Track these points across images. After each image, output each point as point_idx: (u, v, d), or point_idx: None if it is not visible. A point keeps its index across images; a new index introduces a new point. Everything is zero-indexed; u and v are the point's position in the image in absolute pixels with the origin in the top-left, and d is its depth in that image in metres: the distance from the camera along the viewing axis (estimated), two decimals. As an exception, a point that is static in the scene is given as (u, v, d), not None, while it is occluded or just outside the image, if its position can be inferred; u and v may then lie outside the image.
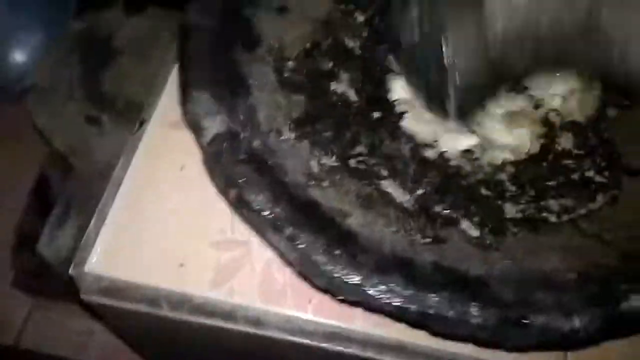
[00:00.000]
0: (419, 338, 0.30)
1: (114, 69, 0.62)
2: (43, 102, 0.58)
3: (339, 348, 0.31)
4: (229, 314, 0.32)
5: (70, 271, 0.32)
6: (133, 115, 0.58)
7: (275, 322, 0.32)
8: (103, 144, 0.57)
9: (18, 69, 0.77)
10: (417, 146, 0.34)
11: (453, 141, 0.35)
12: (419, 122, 0.35)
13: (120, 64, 0.62)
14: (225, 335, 0.33)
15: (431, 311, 0.24)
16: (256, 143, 0.28)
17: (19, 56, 0.78)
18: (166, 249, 0.33)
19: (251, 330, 0.32)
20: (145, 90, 0.42)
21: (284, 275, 0.32)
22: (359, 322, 0.31)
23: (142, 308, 0.32)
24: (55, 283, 0.58)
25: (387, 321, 0.31)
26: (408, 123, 0.35)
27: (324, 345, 0.31)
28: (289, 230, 0.26)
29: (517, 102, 0.37)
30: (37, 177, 0.62)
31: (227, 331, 0.32)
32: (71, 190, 0.56)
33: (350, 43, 0.37)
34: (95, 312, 0.35)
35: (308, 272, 0.26)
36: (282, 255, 0.27)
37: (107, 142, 0.57)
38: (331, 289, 0.26)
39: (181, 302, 0.32)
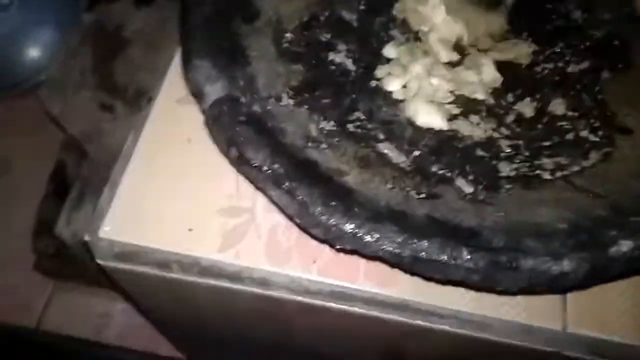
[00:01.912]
0: (421, 296, 0.31)
1: (125, 58, 0.64)
2: (56, 92, 0.60)
3: (344, 307, 0.32)
4: (236, 275, 0.33)
5: (86, 237, 0.34)
6: (144, 102, 0.60)
7: (281, 283, 0.33)
8: (116, 129, 0.59)
9: (34, 64, 0.80)
10: (414, 112, 0.35)
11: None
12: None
13: (130, 53, 0.64)
14: (234, 297, 0.34)
15: (423, 255, 0.25)
16: (256, 107, 0.30)
17: (34, 52, 0.80)
18: (175, 215, 0.34)
19: (258, 290, 0.33)
20: (154, 78, 0.43)
21: (289, 239, 0.33)
22: (362, 281, 0.32)
23: (154, 271, 0.33)
24: (74, 264, 0.60)
25: (390, 280, 0.32)
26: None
27: (328, 304, 0.32)
28: (287, 185, 0.27)
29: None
30: (55, 163, 0.64)
31: (235, 293, 0.33)
32: (86, 174, 0.58)
33: (348, 16, 0.38)
34: (111, 278, 0.37)
35: (307, 224, 0.27)
36: (282, 209, 0.28)
37: (120, 127, 0.59)
38: (329, 238, 0.27)
39: (190, 264, 0.33)
